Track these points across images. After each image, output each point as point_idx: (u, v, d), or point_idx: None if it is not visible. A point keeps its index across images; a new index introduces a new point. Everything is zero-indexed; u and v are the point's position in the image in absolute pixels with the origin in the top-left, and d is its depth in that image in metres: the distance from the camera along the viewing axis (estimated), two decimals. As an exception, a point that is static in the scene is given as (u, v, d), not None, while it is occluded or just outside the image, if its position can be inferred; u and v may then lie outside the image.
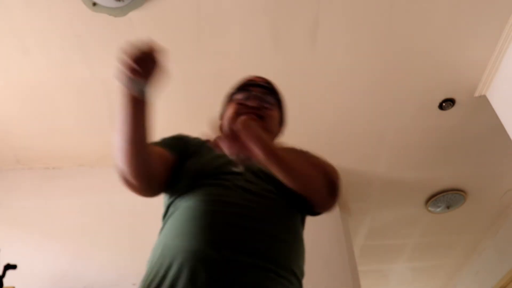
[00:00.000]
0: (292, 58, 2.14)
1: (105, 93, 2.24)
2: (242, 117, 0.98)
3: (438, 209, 3.28)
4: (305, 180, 0.99)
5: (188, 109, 2.35)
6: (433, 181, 3.04)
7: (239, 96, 1.21)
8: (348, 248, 2.58)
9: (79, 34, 1.98)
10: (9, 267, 1.91)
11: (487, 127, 2.56)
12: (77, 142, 2.49)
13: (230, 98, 1.25)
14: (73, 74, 2.14)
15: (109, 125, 2.40)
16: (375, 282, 4.31)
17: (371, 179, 2.93)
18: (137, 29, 1.98)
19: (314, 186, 1.02)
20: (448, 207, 3.25)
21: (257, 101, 1.18)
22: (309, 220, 1.14)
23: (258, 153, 0.90)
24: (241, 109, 1.16)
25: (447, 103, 2.39)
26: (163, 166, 1.04)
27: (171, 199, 1.05)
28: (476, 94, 2.34)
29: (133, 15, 1.92)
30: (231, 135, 0.90)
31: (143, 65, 0.94)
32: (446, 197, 3.16)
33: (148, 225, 2.34)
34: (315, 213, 1.11)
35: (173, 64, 2.18)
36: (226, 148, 0.90)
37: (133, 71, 0.93)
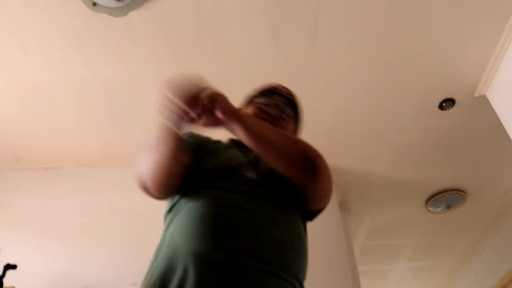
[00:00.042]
0: (292, 58, 2.14)
1: (105, 93, 2.24)
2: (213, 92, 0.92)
3: (438, 209, 3.28)
4: (276, 147, 0.97)
5: (188, 109, 2.35)
6: (433, 181, 3.04)
7: (261, 100, 1.22)
8: (348, 248, 2.58)
9: (79, 34, 1.98)
10: (9, 267, 1.91)
11: (487, 127, 2.56)
12: (77, 142, 2.49)
13: (251, 100, 1.26)
14: (73, 74, 2.14)
15: (109, 125, 2.40)
16: (375, 282, 4.31)
17: (371, 179, 2.93)
18: (137, 29, 1.98)
19: (286, 154, 0.98)
20: (448, 207, 3.25)
21: (277, 111, 1.19)
22: (309, 220, 1.14)
23: (230, 122, 0.92)
24: (260, 114, 1.18)
25: (447, 103, 2.39)
26: (182, 173, 1.02)
27: (177, 198, 1.03)
28: (476, 94, 2.34)
29: (133, 15, 1.92)
30: (206, 109, 0.89)
31: (193, 108, 0.87)
32: (446, 197, 3.16)
33: (148, 225, 2.35)
34: (311, 213, 1.11)
35: (173, 64, 2.20)
36: (202, 123, 0.90)
37: (183, 114, 0.86)
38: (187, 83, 0.87)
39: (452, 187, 3.10)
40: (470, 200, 3.22)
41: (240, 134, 0.95)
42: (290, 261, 0.93)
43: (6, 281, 1.89)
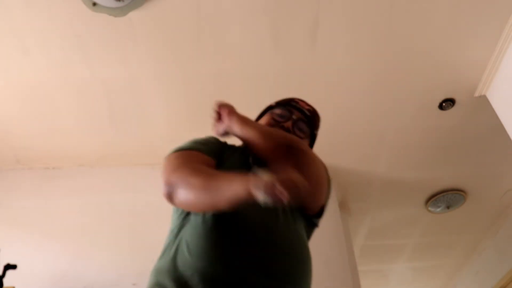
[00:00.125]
0: (292, 58, 2.14)
1: (105, 93, 2.24)
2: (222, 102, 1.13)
3: (438, 209, 3.28)
4: (264, 133, 1.08)
5: (188, 109, 2.35)
6: (433, 181, 3.04)
7: (278, 112, 1.22)
8: (348, 248, 2.58)
9: (79, 34, 1.98)
10: (9, 267, 1.91)
11: (487, 127, 2.56)
12: (77, 142, 2.49)
13: (268, 110, 1.26)
14: (73, 74, 2.14)
15: (109, 125, 2.40)
16: (375, 282, 4.31)
17: (371, 179, 2.93)
18: (137, 29, 1.98)
19: (273, 139, 1.06)
20: (448, 207, 3.25)
21: (292, 126, 1.19)
22: (309, 220, 1.14)
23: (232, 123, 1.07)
24: (273, 124, 1.18)
25: (447, 103, 2.39)
26: None
27: None
28: (476, 94, 2.34)
29: (133, 15, 1.92)
30: (217, 117, 1.10)
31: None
32: (446, 197, 3.16)
33: (148, 225, 2.36)
34: (313, 216, 1.11)
35: (173, 64, 2.20)
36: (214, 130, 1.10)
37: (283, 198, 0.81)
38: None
39: (452, 187, 3.10)
40: (470, 200, 3.22)
41: (237, 128, 1.07)
42: (300, 276, 0.94)
43: (6, 281, 1.89)
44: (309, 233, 1.11)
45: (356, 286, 2.40)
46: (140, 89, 2.24)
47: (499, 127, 2.26)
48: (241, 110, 1.13)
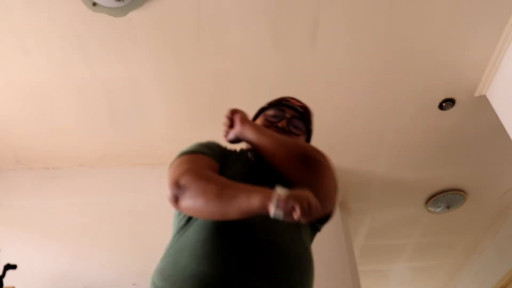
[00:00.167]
0: (292, 58, 2.14)
1: (105, 93, 2.24)
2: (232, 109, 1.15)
3: (438, 209, 3.28)
4: (280, 143, 1.08)
5: (188, 109, 2.35)
6: (433, 181, 3.04)
7: (271, 113, 1.22)
8: (348, 248, 2.58)
9: (79, 34, 1.98)
10: (9, 267, 1.91)
11: (487, 127, 2.56)
12: (77, 142, 2.49)
13: (262, 112, 1.26)
14: (73, 74, 2.14)
15: (109, 125, 2.40)
16: (375, 282, 4.31)
17: (371, 179, 2.93)
18: (137, 29, 1.98)
19: (289, 150, 1.06)
20: (448, 207, 3.25)
21: (286, 124, 1.19)
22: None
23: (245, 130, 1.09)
24: (268, 127, 1.18)
25: (447, 103, 2.39)
26: None
27: None
28: (476, 94, 2.34)
29: (133, 15, 1.92)
30: (229, 124, 1.12)
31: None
32: (446, 197, 3.16)
33: (148, 225, 2.36)
34: (319, 222, 1.11)
35: (173, 64, 2.20)
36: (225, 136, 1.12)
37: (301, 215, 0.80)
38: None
39: (452, 187, 3.10)
40: (470, 200, 3.22)
41: (250, 135, 1.08)
42: (301, 282, 0.94)
43: (6, 281, 1.89)
44: (312, 237, 1.11)
45: (356, 286, 2.40)
46: (140, 89, 2.24)
47: (499, 127, 2.26)
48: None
